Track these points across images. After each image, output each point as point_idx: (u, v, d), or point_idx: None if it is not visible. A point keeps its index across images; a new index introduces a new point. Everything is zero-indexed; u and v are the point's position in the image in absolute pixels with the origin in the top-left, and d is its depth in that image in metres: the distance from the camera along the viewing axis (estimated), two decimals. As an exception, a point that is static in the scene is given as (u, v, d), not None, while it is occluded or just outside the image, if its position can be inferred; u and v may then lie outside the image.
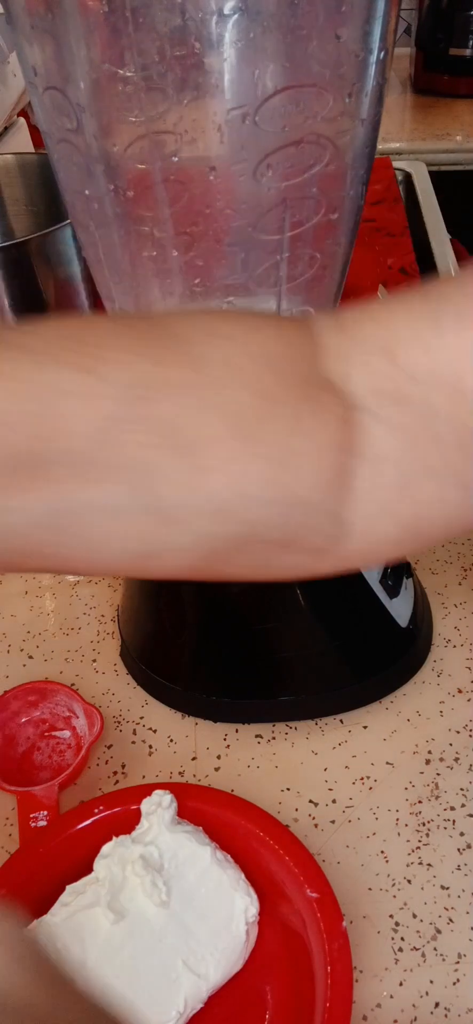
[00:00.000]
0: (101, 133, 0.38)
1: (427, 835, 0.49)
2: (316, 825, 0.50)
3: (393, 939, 0.45)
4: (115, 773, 0.53)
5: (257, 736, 0.55)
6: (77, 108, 0.37)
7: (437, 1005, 0.42)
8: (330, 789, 0.52)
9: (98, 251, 0.43)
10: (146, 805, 0.45)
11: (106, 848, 0.43)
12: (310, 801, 0.51)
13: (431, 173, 1.37)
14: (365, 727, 0.55)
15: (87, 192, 0.40)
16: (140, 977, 0.40)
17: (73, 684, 0.59)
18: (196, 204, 0.39)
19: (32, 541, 0.27)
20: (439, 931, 0.45)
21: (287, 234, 0.40)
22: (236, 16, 0.34)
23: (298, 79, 0.36)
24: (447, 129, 1.51)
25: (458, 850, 0.48)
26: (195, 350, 0.29)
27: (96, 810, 0.46)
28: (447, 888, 0.47)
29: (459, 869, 0.47)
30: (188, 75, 0.35)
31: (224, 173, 0.38)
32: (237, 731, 0.55)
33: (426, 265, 1.11)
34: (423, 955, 0.44)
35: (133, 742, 0.55)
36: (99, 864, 0.43)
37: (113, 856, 0.43)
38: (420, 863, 0.48)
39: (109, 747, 0.55)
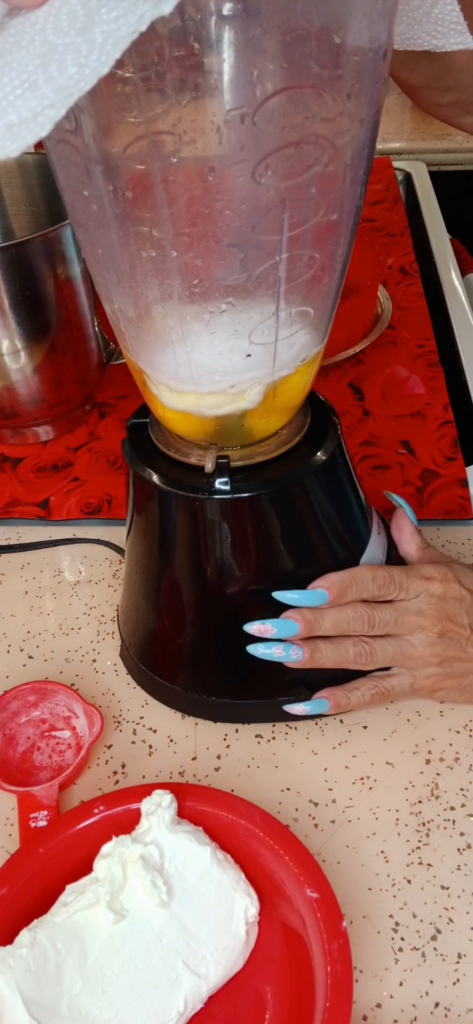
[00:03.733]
0: (100, 134, 0.38)
1: (427, 835, 0.49)
2: (316, 825, 0.50)
3: (393, 939, 0.45)
4: (115, 773, 0.53)
5: (257, 736, 0.55)
6: (76, 108, 0.37)
7: (437, 1005, 0.42)
8: (330, 789, 0.52)
9: (97, 251, 0.43)
10: (146, 805, 0.45)
11: (106, 848, 0.43)
12: (310, 801, 0.51)
13: (431, 173, 1.37)
14: (365, 727, 0.55)
15: (86, 193, 0.40)
16: (140, 977, 0.40)
17: (73, 684, 0.59)
18: (195, 204, 0.39)
19: None
20: (439, 931, 0.45)
21: (286, 235, 0.40)
22: (235, 16, 0.34)
23: (297, 79, 0.36)
24: (447, 129, 1.50)
25: (458, 850, 0.48)
26: None
27: (96, 810, 0.46)
28: (447, 888, 0.47)
29: (459, 869, 0.47)
30: (187, 75, 0.35)
31: (223, 174, 0.38)
32: (237, 731, 0.55)
33: (426, 265, 1.11)
34: (423, 955, 0.44)
35: (133, 742, 0.55)
36: (99, 864, 0.43)
37: (113, 856, 0.43)
38: (420, 863, 0.48)
39: (109, 747, 0.55)
